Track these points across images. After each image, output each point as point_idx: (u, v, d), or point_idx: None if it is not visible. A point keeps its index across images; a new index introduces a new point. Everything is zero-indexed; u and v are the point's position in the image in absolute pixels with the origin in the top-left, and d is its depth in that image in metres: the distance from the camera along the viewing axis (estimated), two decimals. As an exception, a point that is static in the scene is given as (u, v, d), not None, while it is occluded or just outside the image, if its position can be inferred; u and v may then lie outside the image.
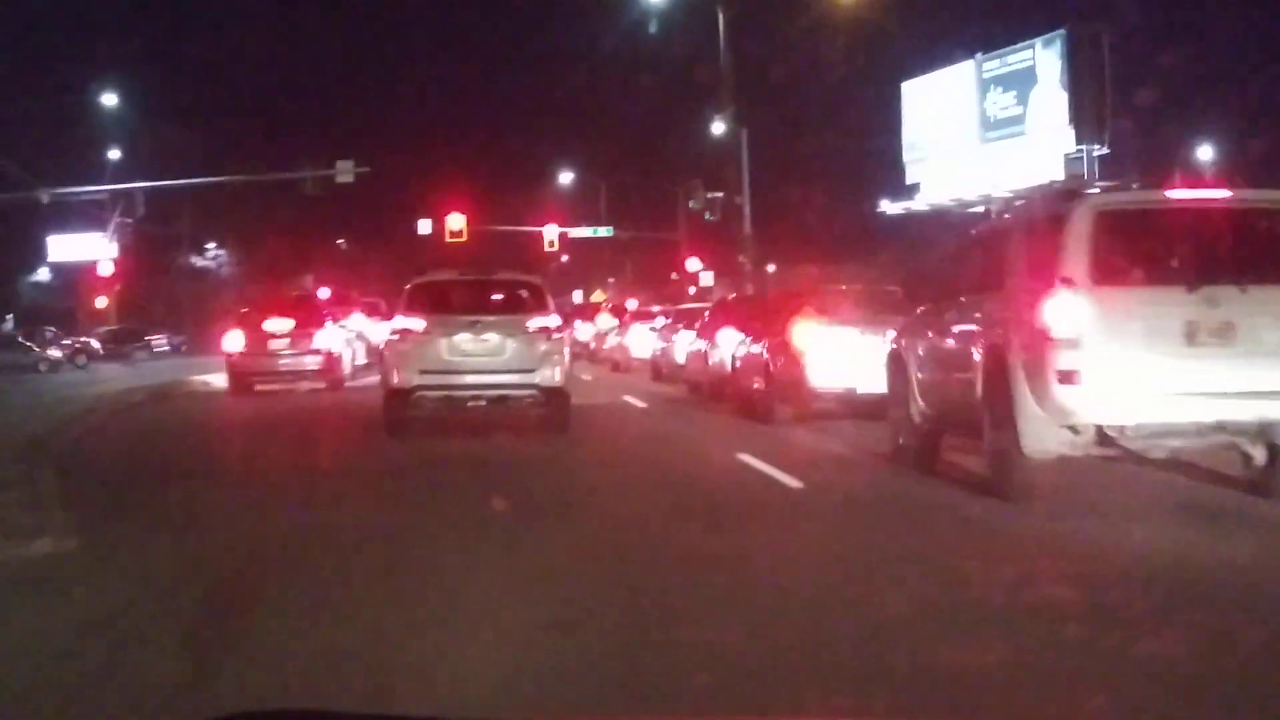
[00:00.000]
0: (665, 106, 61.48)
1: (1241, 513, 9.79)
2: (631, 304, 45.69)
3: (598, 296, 61.16)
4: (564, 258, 70.99)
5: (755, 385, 18.25)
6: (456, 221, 56.06)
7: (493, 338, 15.57)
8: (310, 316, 26.13)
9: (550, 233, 61.09)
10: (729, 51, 42.00)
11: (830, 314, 16.82)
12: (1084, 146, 35.06)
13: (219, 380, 26.57)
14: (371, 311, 37.35)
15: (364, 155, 44.86)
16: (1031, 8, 62.62)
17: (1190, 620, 6.52)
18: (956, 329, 11.67)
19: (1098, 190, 13.01)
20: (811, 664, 5.88)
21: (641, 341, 31.90)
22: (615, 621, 6.65)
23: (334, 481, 12.77)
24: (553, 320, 16.00)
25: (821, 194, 54.09)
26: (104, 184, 47.82)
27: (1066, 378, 9.58)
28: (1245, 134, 45.55)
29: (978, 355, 10.75)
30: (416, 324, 15.67)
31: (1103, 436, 9.73)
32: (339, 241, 75.41)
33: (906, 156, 43.72)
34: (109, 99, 45.53)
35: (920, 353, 12.64)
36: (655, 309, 36.37)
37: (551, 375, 15.57)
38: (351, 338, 30.40)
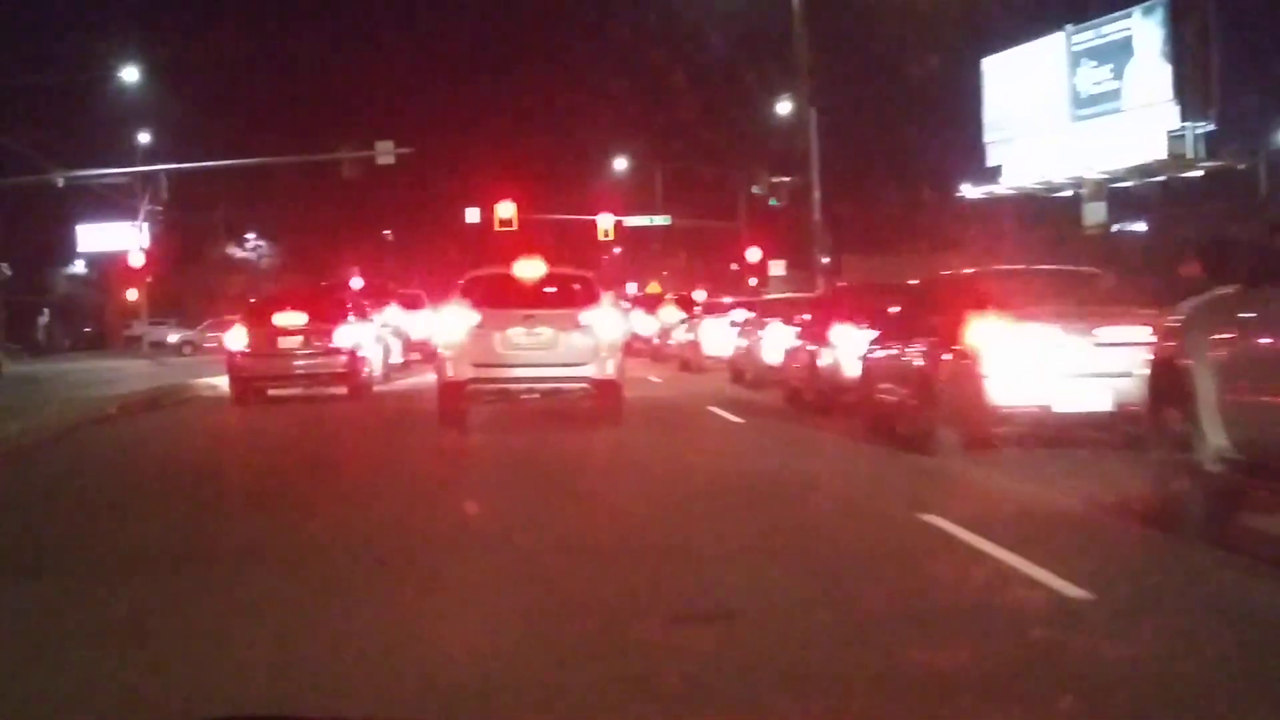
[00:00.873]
0: (725, 88, 56.24)
1: None
2: (699, 295, 40.65)
3: (653, 288, 56.33)
4: (615, 249, 66.10)
5: (897, 399, 13.26)
6: (506, 210, 52.44)
7: (545, 331, 15.23)
8: (329, 309, 21.33)
9: (605, 221, 56.67)
10: (803, 24, 37.50)
11: (1020, 307, 11.78)
12: (1188, 123, 31.25)
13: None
14: (410, 304, 32.57)
15: (407, 139, 40.14)
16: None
17: None
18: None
19: None
20: None
21: (717, 338, 26.90)
22: None
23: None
24: (605, 313, 15.64)
25: (895, 178, 49.30)
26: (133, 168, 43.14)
27: None
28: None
29: None
30: (470, 317, 15.36)
31: None
32: (385, 233, 70.70)
33: (988, 138, 39.99)
34: (135, 77, 40.71)
35: (1228, 360, 7.66)
36: (728, 300, 31.29)
37: (604, 368, 15.19)
38: (385, 334, 25.58)
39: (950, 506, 8.89)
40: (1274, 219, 13.64)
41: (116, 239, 51.15)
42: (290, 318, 20.52)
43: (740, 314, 26.08)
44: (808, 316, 19.36)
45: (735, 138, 56.98)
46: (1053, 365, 11.35)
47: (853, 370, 15.61)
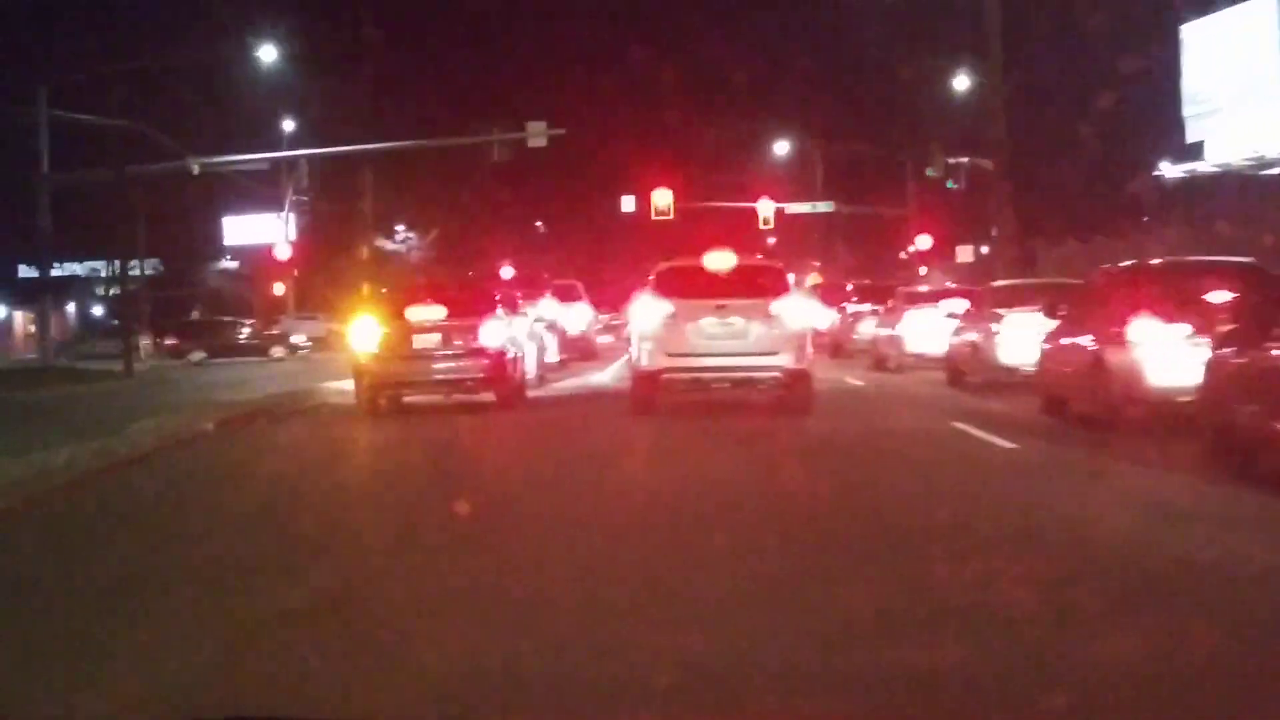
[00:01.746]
0: (894, 67, 51.20)
1: None
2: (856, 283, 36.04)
3: (813, 279, 51.65)
4: (769, 240, 61.50)
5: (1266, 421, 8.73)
6: (663, 198, 48.91)
7: (737, 321, 15.13)
8: (474, 302, 17.23)
9: (765, 209, 52.56)
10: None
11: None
12: None
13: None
14: (566, 296, 28.60)
15: (558, 124, 36.21)
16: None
17: None
18: None
19: None
20: None
21: (924, 331, 22.29)
22: None
23: None
24: (795, 303, 15.63)
25: (1084, 157, 43.93)
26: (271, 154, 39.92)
27: None
28: None
29: None
30: (663, 308, 15.28)
31: None
32: (536, 224, 66.94)
33: (1187, 111, 34.99)
34: (273, 58, 37.28)
35: None
36: (928, 288, 26.61)
37: (795, 358, 15.01)
38: (539, 329, 21.57)
39: None
40: None
41: (262, 231, 48.31)
42: (427, 312, 16.49)
43: (955, 304, 21.53)
44: (1065, 308, 14.76)
45: (904, 119, 52.18)
46: None
47: (1172, 377, 11.13)
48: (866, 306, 29.44)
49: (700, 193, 55.02)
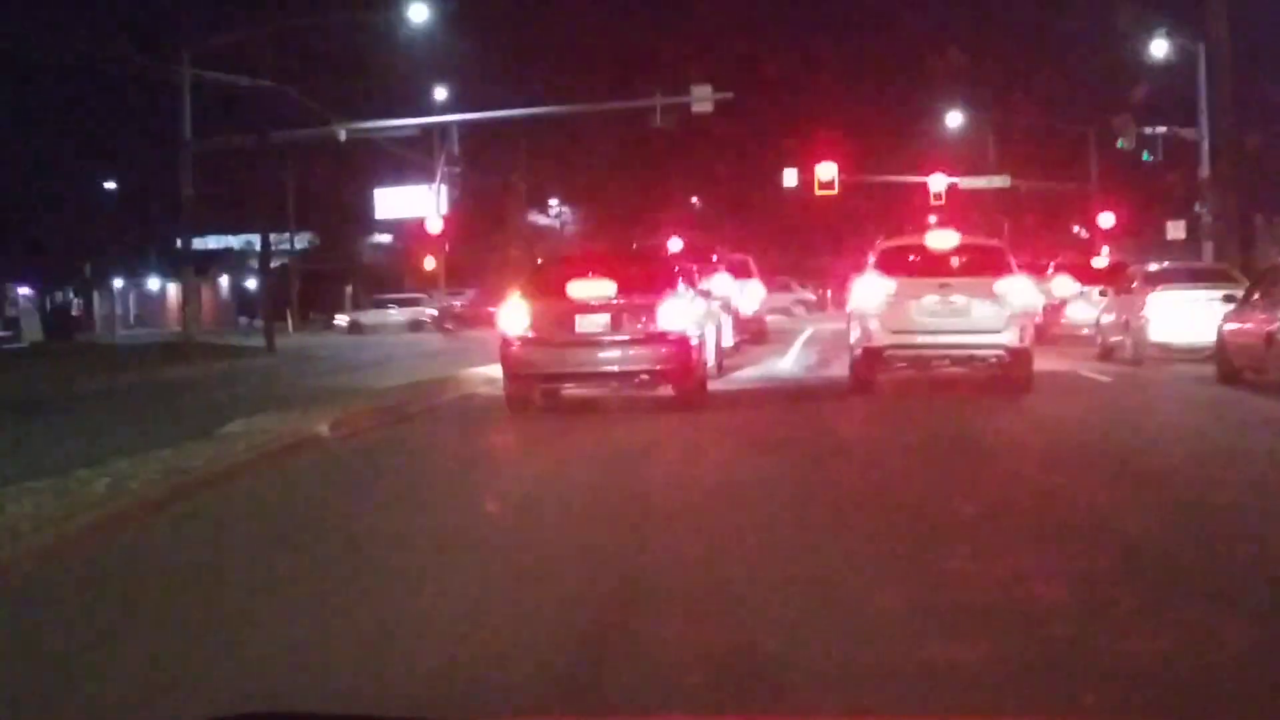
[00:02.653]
0: (1075, 30, 46.39)
1: None
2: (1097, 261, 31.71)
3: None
4: (930, 218, 57.00)
5: None
6: (827, 171, 45.43)
7: (959, 299, 14.57)
8: (648, 278, 13.69)
9: (936, 183, 48.39)
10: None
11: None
12: None
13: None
14: (740, 272, 25.05)
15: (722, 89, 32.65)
16: None
17: None
18: None
19: None
20: None
21: (1181, 319, 18.17)
22: None
23: None
24: (1018, 282, 14.82)
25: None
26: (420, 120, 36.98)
27: None
28: None
29: None
30: (888, 285, 14.79)
31: None
32: (693, 200, 63.31)
33: None
34: (424, 17, 34.15)
35: None
36: (1169, 265, 22.34)
37: (1017, 337, 14.42)
38: (715, 310, 18.04)
39: None
40: None
41: (414, 204, 45.60)
42: (595, 287, 13.03)
43: (1226, 289, 17.46)
44: None
45: (1087, 87, 47.45)
46: None
47: None
48: (1077, 287, 25.30)
49: (863, 166, 50.98)
